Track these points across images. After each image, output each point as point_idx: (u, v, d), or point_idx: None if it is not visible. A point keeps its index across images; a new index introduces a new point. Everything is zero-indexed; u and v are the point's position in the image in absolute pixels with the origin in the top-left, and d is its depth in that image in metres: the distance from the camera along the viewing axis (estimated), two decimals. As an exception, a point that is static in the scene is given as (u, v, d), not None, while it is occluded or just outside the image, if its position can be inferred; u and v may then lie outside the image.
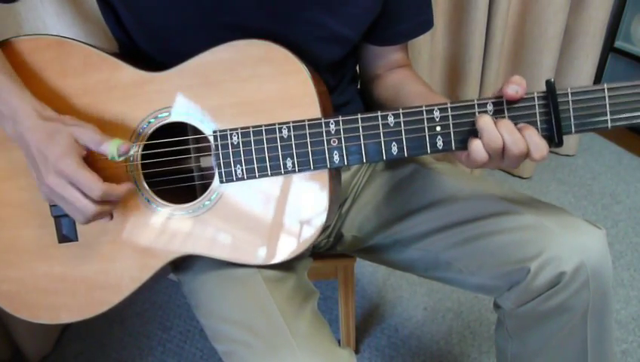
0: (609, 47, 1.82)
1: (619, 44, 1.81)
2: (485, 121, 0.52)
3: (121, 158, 0.57)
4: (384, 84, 0.76)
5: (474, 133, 0.54)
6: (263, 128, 0.58)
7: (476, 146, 0.53)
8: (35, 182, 0.57)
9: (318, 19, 0.63)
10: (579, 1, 1.54)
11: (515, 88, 0.52)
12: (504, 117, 0.54)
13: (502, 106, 0.54)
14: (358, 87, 0.84)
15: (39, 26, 0.93)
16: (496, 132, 0.52)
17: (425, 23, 0.75)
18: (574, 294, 0.63)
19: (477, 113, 0.54)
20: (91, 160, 0.58)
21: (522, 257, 0.64)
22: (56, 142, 0.55)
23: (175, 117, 0.61)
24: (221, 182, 0.60)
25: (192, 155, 0.67)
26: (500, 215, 0.68)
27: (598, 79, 1.86)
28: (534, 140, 0.52)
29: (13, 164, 0.63)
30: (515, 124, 0.53)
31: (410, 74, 0.76)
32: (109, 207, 0.58)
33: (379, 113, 0.56)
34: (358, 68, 0.82)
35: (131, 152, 0.59)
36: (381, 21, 0.70)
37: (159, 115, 0.61)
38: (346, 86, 0.77)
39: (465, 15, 1.44)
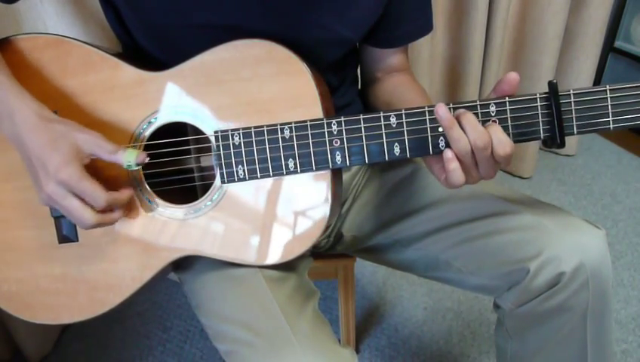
0: (609, 47, 1.82)
1: (619, 44, 1.81)
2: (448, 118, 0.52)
3: (138, 168, 0.55)
4: (381, 89, 0.76)
5: None
6: (265, 128, 0.58)
7: (450, 159, 0.53)
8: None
9: (322, 21, 0.62)
10: (579, 1, 1.54)
11: (514, 75, 0.53)
12: (506, 118, 0.54)
13: (504, 107, 0.54)
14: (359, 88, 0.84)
15: (39, 26, 0.93)
16: (460, 131, 0.52)
17: (424, 26, 0.75)
18: (574, 294, 0.63)
19: (480, 114, 0.54)
20: (90, 163, 0.57)
21: (522, 257, 0.64)
22: (58, 148, 0.53)
23: (176, 117, 0.61)
24: (222, 182, 0.60)
25: (192, 156, 0.67)
26: (500, 215, 0.68)
27: (598, 79, 1.86)
28: (498, 136, 0.52)
29: (12, 164, 0.62)
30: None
31: (408, 80, 0.75)
32: (110, 217, 0.58)
33: (381, 114, 0.56)
34: (359, 70, 0.82)
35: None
36: (382, 23, 0.70)
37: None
38: (347, 88, 0.76)
39: (465, 15, 1.45)
